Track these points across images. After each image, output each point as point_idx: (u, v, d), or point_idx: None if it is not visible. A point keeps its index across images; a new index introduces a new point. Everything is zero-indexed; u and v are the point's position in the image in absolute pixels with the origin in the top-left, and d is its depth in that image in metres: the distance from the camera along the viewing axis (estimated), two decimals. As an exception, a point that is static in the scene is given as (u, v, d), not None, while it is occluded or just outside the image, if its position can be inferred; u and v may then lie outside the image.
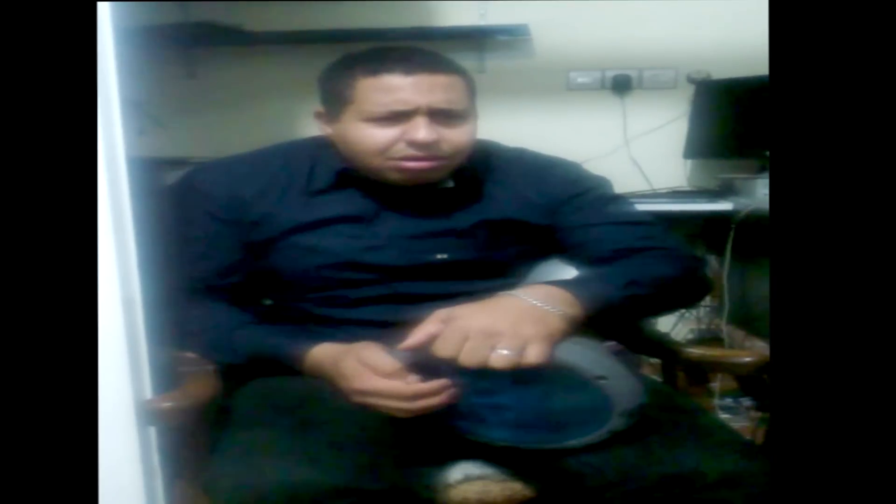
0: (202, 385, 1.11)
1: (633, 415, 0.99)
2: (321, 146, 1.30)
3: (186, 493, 1.06)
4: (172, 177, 2.12)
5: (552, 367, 0.94)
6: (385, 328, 1.12)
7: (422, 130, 1.16)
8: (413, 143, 1.18)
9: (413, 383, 0.99)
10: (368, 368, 1.01)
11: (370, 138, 1.19)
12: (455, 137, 1.20)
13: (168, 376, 1.09)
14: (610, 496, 1.02)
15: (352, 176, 1.26)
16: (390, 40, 2.69)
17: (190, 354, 1.17)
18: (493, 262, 1.28)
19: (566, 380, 0.96)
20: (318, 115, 1.29)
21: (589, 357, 0.96)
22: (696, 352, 1.40)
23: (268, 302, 1.32)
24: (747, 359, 1.42)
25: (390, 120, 1.17)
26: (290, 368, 1.14)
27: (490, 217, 1.28)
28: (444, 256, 1.25)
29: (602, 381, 0.95)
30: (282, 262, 1.25)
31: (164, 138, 2.34)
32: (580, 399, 0.98)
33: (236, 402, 1.16)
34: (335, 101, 1.22)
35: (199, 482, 1.01)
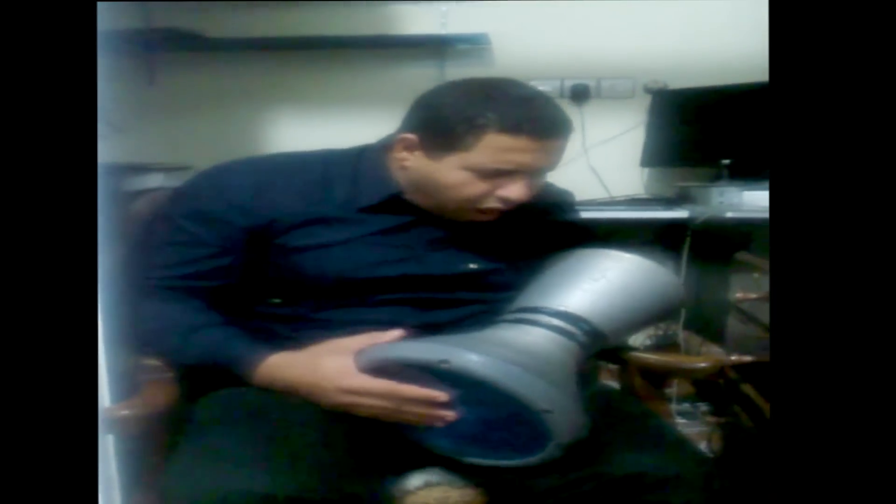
0: (160, 393, 1.10)
1: (569, 447, 1.00)
2: (362, 161, 1.25)
3: (144, 501, 1.05)
4: (131, 182, 2.11)
5: (502, 393, 0.96)
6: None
7: (521, 191, 1.14)
8: (505, 200, 1.16)
9: (408, 386, 1.00)
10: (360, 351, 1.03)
11: (466, 188, 1.14)
12: (534, 190, 1.18)
13: (126, 384, 1.09)
14: (554, 501, 1.04)
15: (401, 200, 1.22)
16: (350, 47, 2.70)
17: (149, 361, 1.16)
18: (519, 272, 1.25)
19: (512, 406, 0.97)
20: (406, 144, 1.18)
21: (539, 389, 0.96)
22: (654, 358, 1.43)
23: (276, 300, 1.25)
24: (703, 364, 1.45)
25: (495, 175, 1.13)
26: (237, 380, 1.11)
27: (516, 228, 1.27)
28: (475, 266, 1.23)
29: (547, 415, 0.96)
30: (307, 269, 1.19)
31: (123, 144, 2.30)
32: (522, 427, 1.00)
33: (194, 410, 1.14)
34: (444, 141, 1.13)
35: (156, 490, 1.00)
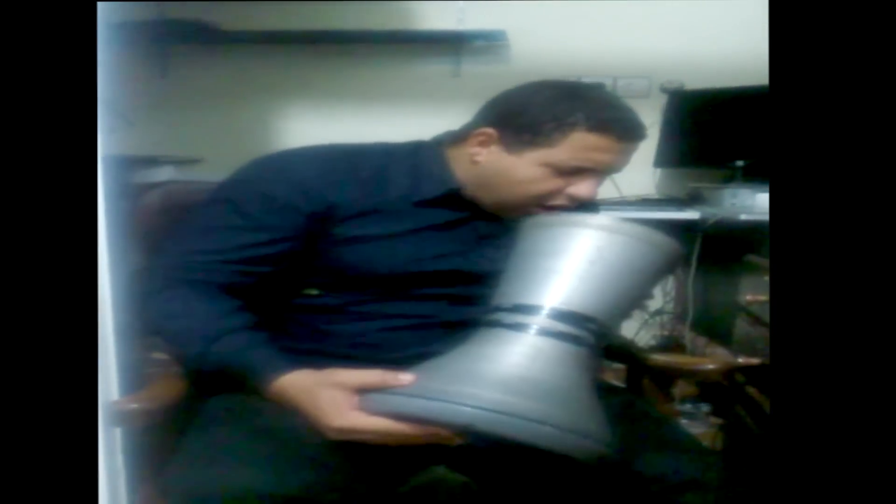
0: (169, 387, 1.10)
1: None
2: (420, 156, 1.24)
3: (150, 495, 1.06)
4: (143, 175, 2.13)
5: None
6: (431, 325, 1.14)
7: (591, 189, 1.16)
8: (574, 198, 1.17)
9: (407, 427, 0.95)
10: (348, 390, 0.98)
11: (540, 184, 1.16)
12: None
13: (135, 377, 1.09)
14: (575, 497, 1.04)
15: (458, 195, 1.21)
16: (366, 42, 2.70)
17: (158, 355, 1.16)
18: None
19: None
20: (484, 138, 1.18)
21: (570, 443, 0.92)
22: (662, 359, 1.43)
23: (313, 292, 1.21)
24: (711, 366, 1.45)
25: (571, 173, 1.15)
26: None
27: None
28: None
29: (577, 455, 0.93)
30: (357, 261, 1.17)
31: (134, 136, 2.32)
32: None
33: (202, 407, 1.13)
34: (528, 136, 1.14)
35: (160, 484, 1.01)
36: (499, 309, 1.04)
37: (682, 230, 2.26)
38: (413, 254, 1.18)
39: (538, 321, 1.00)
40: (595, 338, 1.02)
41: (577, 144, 1.12)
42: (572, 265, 1.03)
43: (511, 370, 0.96)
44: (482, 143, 1.18)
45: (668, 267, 1.13)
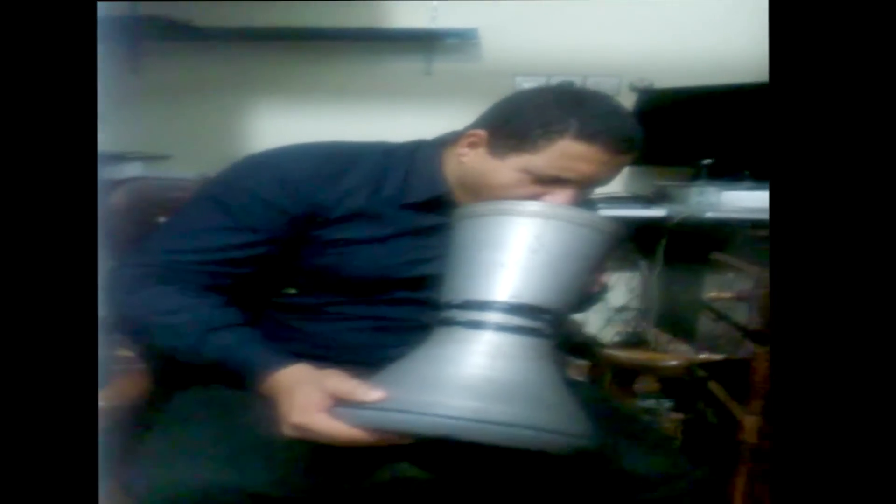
0: (132, 385, 1.11)
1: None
2: (417, 156, 1.22)
3: (112, 491, 1.07)
4: (111, 171, 2.11)
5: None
6: (406, 328, 1.12)
7: (568, 200, 1.11)
8: None
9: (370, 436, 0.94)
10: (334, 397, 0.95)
11: (516, 190, 1.11)
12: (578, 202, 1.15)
13: (99, 375, 1.09)
14: (557, 495, 1.06)
15: (445, 199, 1.19)
16: (338, 40, 2.70)
17: (122, 352, 1.16)
18: None
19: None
20: (473, 139, 1.16)
21: (551, 441, 0.92)
22: (625, 355, 1.45)
23: (291, 291, 1.21)
24: (674, 362, 1.48)
25: (550, 182, 1.10)
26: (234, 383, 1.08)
27: None
28: None
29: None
30: (339, 264, 1.17)
31: (105, 133, 2.29)
32: None
33: (167, 404, 1.14)
34: (514, 141, 1.11)
35: (122, 481, 1.01)
36: (451, 306, 1.03)
37: (648, 228, 2.29)
38: (393, 259, 1.17)
39: (492, 317, 1.00)
40: (551, 326, 1.02)
41: (560, 153, 1.09)
42: (515, 256, 1.02)
43: (476, 372, 0.96)
44: (471, 145, 1.16)
45: (611, 247, 1.10)
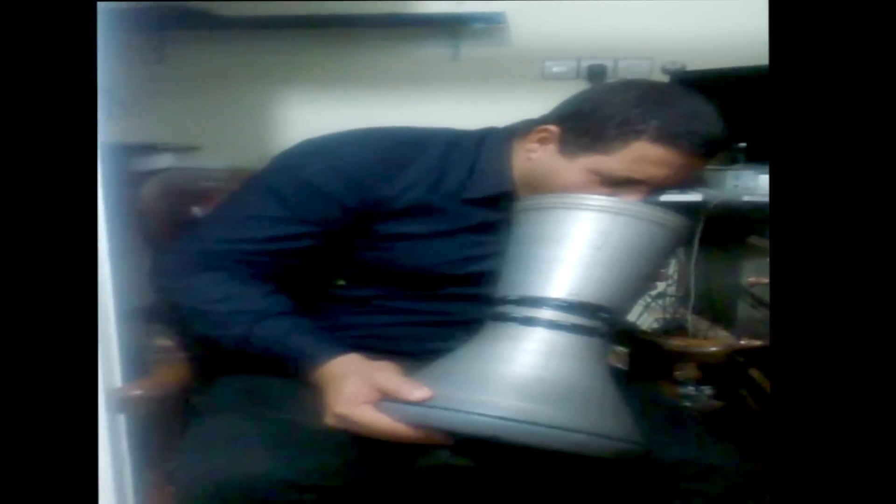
0: (173, 374, 1.11)
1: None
2: (483, 147, 1.18)
3: (155, 480, 1.07)
4: (141, 163, 2.12)
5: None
6: (455, 322, 1.11)
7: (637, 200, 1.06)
8: None
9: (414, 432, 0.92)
10: (381, 392, 0.94)
11: (582, 191, 1.06)
12: None
13: (138, 364, 1.09)
14: (598, 483, 1.03)
15: (508, 195, 1.15)
16: (363, 26, 2.69)
17: (162, 341, 1.16)
18: None
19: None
20: (544, 135, 1.12)
21: (600, 447, 0.90)
22: (665, 342, 1.43)
23: (341, 282, 1.19)
24: (714, 348, 1.46)
25: (620, 184, 1.06)
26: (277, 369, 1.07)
27: None
28: None
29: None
30: (395, 258, 1.14)
31: (132, 123, 2.31)
32: None
33: (211, 393, 1.13)
34: (587, 140, 1.07)
35: (166, 471, 1.01)
36: (505, 301, 1.00)
37: (685, 212, 2.25)
38: (451, 255, 1.15)
39: (548, 314, 0.96)
40: (607, 326, 0.99)
41: (636, 154, 1.04)
42: (578, 252, 0.98)
43: (527, 371, 0.93)
44: (541, 140, 1.12)
45: (676, 244, 1.08)
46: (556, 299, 0.97)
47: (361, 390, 0.95)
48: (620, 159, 1.05)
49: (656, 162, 1.04)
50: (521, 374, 0.93)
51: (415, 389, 0.91)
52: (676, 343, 1.44)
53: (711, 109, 1.08)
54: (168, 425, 1.07)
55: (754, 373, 1.58)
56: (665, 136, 1.03)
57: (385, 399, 0.94)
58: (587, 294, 0.97)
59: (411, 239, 1.13)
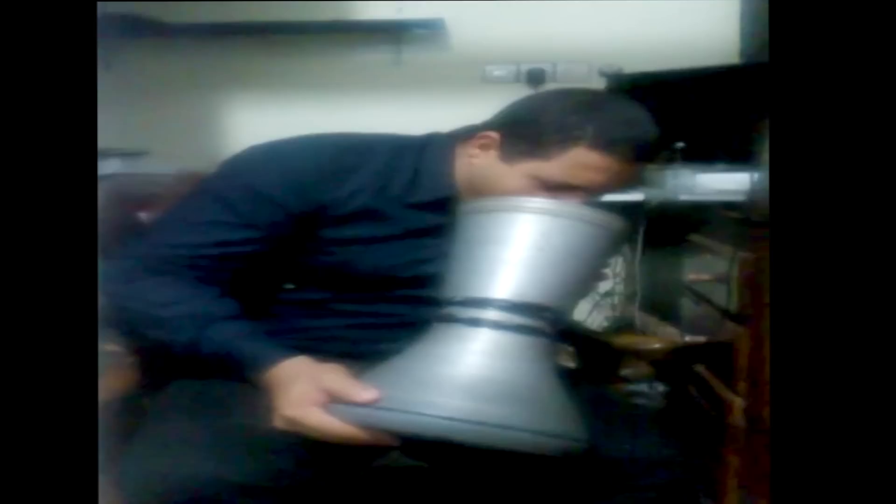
0: (120, 378, 1.10)
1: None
2: (427, 152, 1.18)
3: (103, 485, 1.05)
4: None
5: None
6: (404, 324, 1.11)
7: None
8: None
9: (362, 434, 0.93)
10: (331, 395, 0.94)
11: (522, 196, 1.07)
12: None
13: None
14: (547, 479, 1.05)
15: (450, 199, 1.16)
16: (307, 33, 2.68)
17: (109, 347, 1.14)
18: None
19: None
20: (485, 141, 1.12)
21: (548, 444, 0.92)
22: (609, 339, 1.46)
23: (289, 286, 1.20)
24: (657, 345, 1.49)
25: (558, 189, 1.07)
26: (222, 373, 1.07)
27: None
28: None
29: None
30: (341, 262, 1.14)
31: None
32: None
33: (159, 396, 1.13)
34: (526, 146, 1.08)
35: (112, 475, 1.00)
36: (451, 303, 1.01)
37: (626, 212, 2.29)
38: (397, 259, 1.15)
39: (492, 315, 0.98)
40: (551, 325, 1.00)
41: (574, 161, 1.06)
42: (520, 254, 1.00)
43: (474, 371, 0.95)
44: (482, 147, 1.13)
45: (616, 244, 1.11)
46: (501, 300, 0.98)
47: (309, 392, 0.96)
48: (559, 165, 1.06)
49: (594, 168, 1.06)
50: (467, 374, 0.94)
51: (362, 391, 0.92)
52: (622, 341, 1.47)
53: (646, 115, 1.11)
54: (116, 430, 1.06)
55: (701, 369, 1.61)
56: (602, 143, 1.05)
57: (333, 401, 0.94)
58: (530, 295, 0.99)
59: (358, 243, 1.14)
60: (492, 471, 1.09)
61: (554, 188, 1.07)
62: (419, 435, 0.90)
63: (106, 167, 2.16)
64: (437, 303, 1.04)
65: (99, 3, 0.81)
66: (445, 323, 1.00)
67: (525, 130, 1.09)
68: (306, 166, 1.12)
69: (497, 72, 2.75)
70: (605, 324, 2.21)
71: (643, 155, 1.09)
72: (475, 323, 0.98)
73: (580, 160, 1.06)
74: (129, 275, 1.10)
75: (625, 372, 1.51)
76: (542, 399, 0.95)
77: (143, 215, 1.30)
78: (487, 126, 1.14)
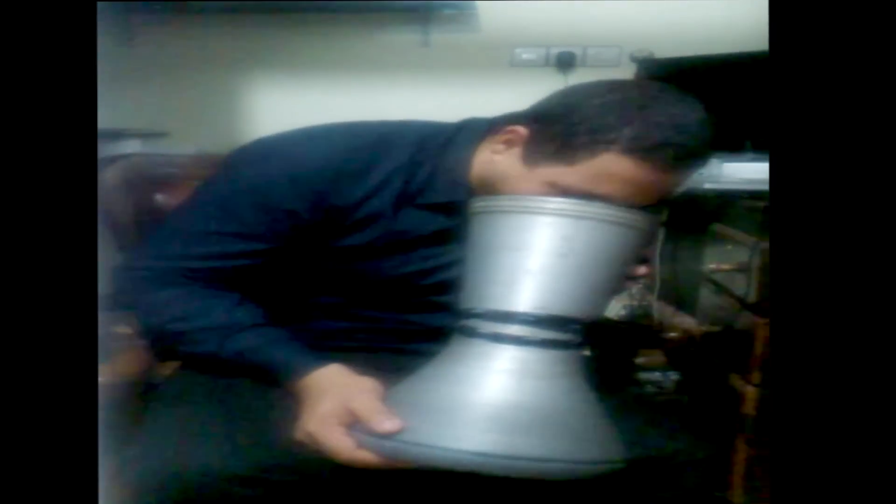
0: (132, 362, 1.11)
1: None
2: (450, 146, 1.10)
3: (112, 469, 1.07)
4: (107, 149, 2.10)
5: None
6: (416, 331, 1.10)
7: None
8: None
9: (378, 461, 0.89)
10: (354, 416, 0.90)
11: None
12: None
13: (99, 351, 1.09)
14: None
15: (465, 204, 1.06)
16: (333, 12, 2.68)
17: (122, 329, 1.16)
18: None
19: None
20: (512, 137, 1.03)
21: (582, 471, 0.89)
22: (625, 328, 1.45)
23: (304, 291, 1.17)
24: (673, 334, 1.48)
25: (578, 197, 0.95)
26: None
27: None
28: None
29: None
30: (355, 272, 1.11)
31: (100, 109, 2.28)
32: None
33: (166, 382, 1.13)
34: (552, 148, 0.97)
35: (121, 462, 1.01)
36: (471, 314, 0.95)
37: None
38: (411, 266, 1.11)
39: (516, 330, 0.91)
40: (580, 336, 0.94)
41: (599, 168, 0.94)
42: (542, 261, 0.92)
43: (500, 396, 0.89)
44: (507, 142, 1.03)
45: (645, 243, 1.00)
46: (524, 314, 0.91)
47: (336, 411, 0.92)
48: (582, 173, 0.95)
49: (621, 177, 0.94)
50: (494, 399, 0.89)
51: (386, 421, 0.87)
52: (637, 329, 1.47)
53: (699, 117, 0.96)
54: (128, 413, 1.07)
55: (716, 359, 1.60)
56: (637, 148, 0.93)
57: (358, 424, 0.91)
58: (556, 307, 0.92)
59: (371, 251, 1.09)
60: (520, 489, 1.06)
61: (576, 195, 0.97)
62: (449, 469, 0.85)
63: (125, 148, 2.19)
64: (456, 311, 0.98)
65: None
66: (467, 337, 0.94)
67: (554, 128, 0.98)
68: (315, 167, 1.05)
69: (526, 55, 2.73)
70: (623, 312, 2.20)
71: (686, 163, 0.96)
72: (497, 339, 0.92)
73: (607, 168, 0.94)
74: (139, 288, 1.08)
75: (639, 360, 1.50)
76: (575, 423, 0.90)
77: (159, 197, 1.31)
78: (519, 118, 1.04)
